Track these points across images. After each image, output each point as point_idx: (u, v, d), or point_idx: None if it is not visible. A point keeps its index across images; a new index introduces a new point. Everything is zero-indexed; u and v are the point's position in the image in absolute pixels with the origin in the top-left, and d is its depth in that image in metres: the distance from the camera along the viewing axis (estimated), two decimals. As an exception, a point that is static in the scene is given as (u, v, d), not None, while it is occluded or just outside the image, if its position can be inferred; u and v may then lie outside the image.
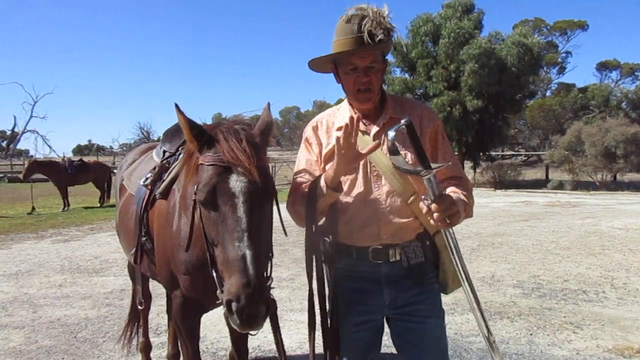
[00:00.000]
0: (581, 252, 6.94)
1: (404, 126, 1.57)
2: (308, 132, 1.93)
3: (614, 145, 16.23)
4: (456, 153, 20.45)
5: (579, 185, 17.16)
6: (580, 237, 7.99)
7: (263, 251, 1.54)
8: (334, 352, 1.79)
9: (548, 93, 37.42)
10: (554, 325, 4.13)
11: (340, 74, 1.79)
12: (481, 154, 20.86)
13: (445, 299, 5.39)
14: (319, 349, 1.83)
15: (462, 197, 1.71)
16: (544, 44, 24.57)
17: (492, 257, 6.76)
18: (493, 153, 22.66)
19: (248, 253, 1.45)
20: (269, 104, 1.81)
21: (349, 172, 1.69)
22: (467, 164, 21.24)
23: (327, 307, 1.82)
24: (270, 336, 2.00)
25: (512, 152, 33.47)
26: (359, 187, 1.79)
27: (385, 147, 1.75)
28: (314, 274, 1.80)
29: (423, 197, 1.61)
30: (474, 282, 5.88)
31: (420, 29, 19.48)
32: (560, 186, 17.54)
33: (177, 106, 1.65)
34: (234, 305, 1.41)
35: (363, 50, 1.67)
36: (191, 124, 1.65)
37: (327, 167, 1.81)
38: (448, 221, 1.56)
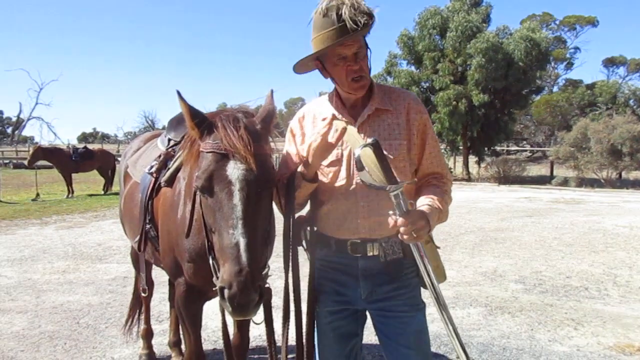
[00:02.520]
0: (584, 249, 6.92)
1: (370, 145, 1.56)
2: (293, 123, 1.93)
3: (620, 143, 16.07)
4: (461, 147, 20.35)
5: (584, 182, 17.05)
6: (584, 234, 7.96)
7: (258, 239, 1.53)
8: (310, 337, 1.81)
9: (555, 89, 37.15)
10: (555, 321, 4.13)
11: (329, 68, 1.75)
12: (486, 148, 20.75)
13: (447, 293, 5.34)
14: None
15: (437, 203, 1.69)
16: (552, 39, 24.35)
17: (495, 252, 6.75)
18: (498, 148, 22.50)
19: (242, 241, 1.45)
20: (271, 91, 1.79)
21: (321, 162, 1.70)
22: (472, 159, 21.14)
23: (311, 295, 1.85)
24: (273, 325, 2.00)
25: (517, 148, 33.21)
26: (340, 180, 1.78)
27: (368, 139, 1.74)
28: (290, 264, 1.79)
29: (390, 212, 1.59)
30: (477, 276, 5.86)
31: (427, 22, 19.30)
32: (564, 183, 17.42)
33: (178, 93, 1.65)
34: (226, 292, 1.42)
35: (349, 38, 1.64)
36: (192, 111, 1.65)
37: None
38: (415, 235, 1.56)
